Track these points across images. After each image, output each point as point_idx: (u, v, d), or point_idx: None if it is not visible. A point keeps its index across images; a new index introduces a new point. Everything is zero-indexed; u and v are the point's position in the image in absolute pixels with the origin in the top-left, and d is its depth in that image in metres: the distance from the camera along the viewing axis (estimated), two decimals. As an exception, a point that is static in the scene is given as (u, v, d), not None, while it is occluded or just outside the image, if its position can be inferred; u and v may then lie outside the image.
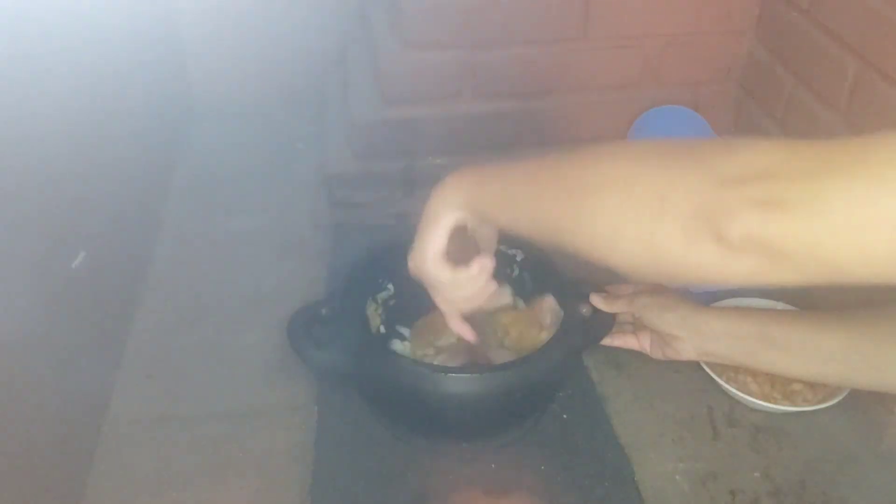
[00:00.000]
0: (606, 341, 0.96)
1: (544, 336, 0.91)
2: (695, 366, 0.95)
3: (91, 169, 0.94)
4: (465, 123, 1.19)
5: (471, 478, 0.87)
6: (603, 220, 0.54)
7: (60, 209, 0.85)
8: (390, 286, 1.01)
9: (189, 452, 0.90)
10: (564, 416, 0.94)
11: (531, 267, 1.00)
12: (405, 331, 1.00)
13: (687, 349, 0.90)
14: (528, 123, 1.20)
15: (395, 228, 1.23)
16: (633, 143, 0.58)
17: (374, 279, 1.00)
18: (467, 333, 0.81)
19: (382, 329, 0.99)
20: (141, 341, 1.04)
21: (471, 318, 0.82)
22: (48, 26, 0.84)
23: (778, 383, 0.94)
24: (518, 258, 1.01)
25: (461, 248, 0.73)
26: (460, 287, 0.73)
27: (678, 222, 0.49)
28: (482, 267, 0.73)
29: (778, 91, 1.15)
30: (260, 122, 1.49)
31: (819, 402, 0.90)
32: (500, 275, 0.96)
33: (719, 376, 0.94)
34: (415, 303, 1.00)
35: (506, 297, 0.95)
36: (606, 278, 1.05)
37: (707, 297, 0.99)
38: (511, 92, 1.17)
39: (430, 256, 0.71)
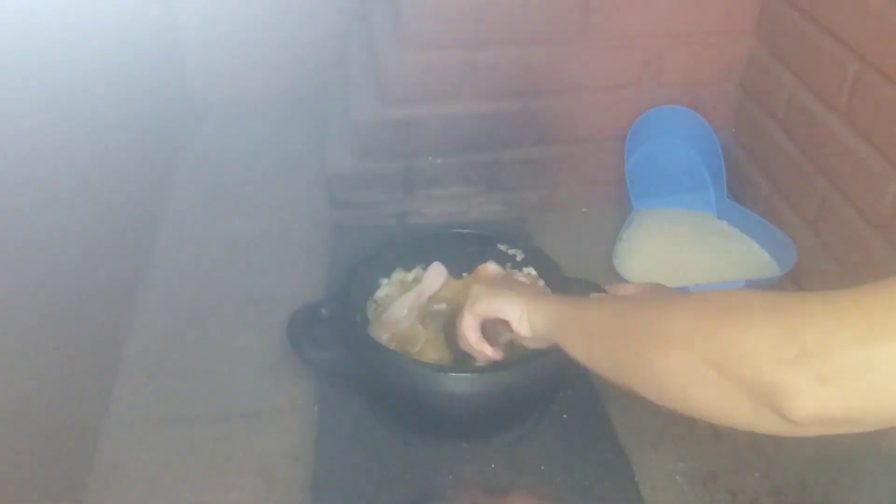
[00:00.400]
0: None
1: None
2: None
3: (91, 169, 0.94)
4: (464, 123, 1.19)
5: (471, 478, 0.87)
6: (669, 375, 0.55)
7: (60, 208, 0.85)
8: (390, 286, 1.01)
9: (189, 452, 0.90)
10: (564, 416, 0.94)
11: (531, 266, 1.00)
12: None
13: None
14: (528, 123, 1.20)
15: (395, 228, 1.24)
16: (696, 295, 0.59)
17: (374, 279, 1.00)
18: (490, 353, 0.82)
19: (382, 329, 0.98)
20: (141, 341, 1.04)
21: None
22: (47, 25, 0.84)
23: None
24: (518, 258, 1.01)
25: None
26: (468, 346, 0.82)
27: (742, 392, 0.50)
28: (489, 356, 0.81)
29: (778, 91, 1.15)
30: (260, 122, 1.49)
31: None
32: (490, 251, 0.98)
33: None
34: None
35: None
36: (606, 278, 1.05)
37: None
38: (511, 92, 1.17)
39: (470, 326, 0.80)
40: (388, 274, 1.01)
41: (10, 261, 0.73)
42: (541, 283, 0.98)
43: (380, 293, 0.99)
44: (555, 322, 0.71)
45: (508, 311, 0.76)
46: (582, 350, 0.68)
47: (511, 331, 0.77)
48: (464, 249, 1.02)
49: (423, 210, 1.25)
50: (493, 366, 0.87)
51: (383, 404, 0.92)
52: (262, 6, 1.44)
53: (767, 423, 0.50)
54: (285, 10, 1.45)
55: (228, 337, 1.05)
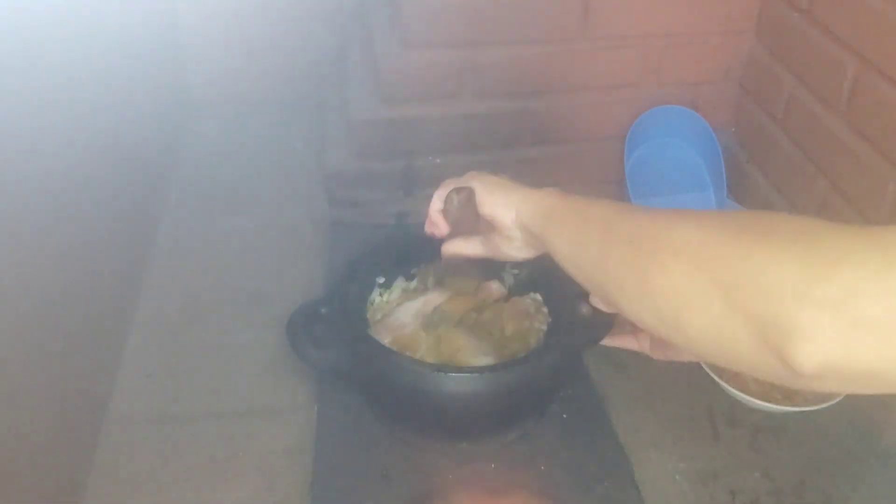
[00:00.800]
0: (606, 341, 0.96)
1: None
2: (695, 366, 0.95)
3: (90, 167, 0.94)
4: (464, 123, 1.18)
5: (471, 478, 0.87)
6: (665, 293, 0.49)
7: (59, 207, 0.84)
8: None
9: (189, 452, 0.89)
10: (564, 416, 0.94)
11: (530, 266, 1.00)
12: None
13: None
14: (527, 123, 1.20)
15: (394, 228, 1.24)
16: (721, 211, 0.52)
17: (372, 278, 0.99)
18: (440, 227, 0.83)
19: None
20: (141, 341, 1.03)
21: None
22: (46, 24, 0.84)
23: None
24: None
25: (466, 211, 0.80)
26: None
27: (746, 327, 0.43)
28: (434, 210, 0.83)
29: (778, 91, 1.15)
30: (259, 121, 1.49)
31: (819, 403, 0.90)
32: (495, 271, 0.97)
33: (719, 376, 0.94)
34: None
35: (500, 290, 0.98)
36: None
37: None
38: (511, 92, 1.17)
39: (450, 183, 0.78)
40: (386, 274, 1.01)
41: (10, 259, 0.73)
42: (544, 309, 0.98)
43: (381, 299, 0.99)
44: (545, 211, 0.64)
45: (501, 198, 0.70)
46: (567, 249, 0.60)
47: (473, 202, 0.74)
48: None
49: (422, 210, 1.24)
50: (493, 366, 0.88)
51: (383, 404, 0.92)
52: (261, 5, 1.44)
53: (765, 367, 0.43)
54: (285, 10, 1.45)
55: (228, 335, 1.04)
